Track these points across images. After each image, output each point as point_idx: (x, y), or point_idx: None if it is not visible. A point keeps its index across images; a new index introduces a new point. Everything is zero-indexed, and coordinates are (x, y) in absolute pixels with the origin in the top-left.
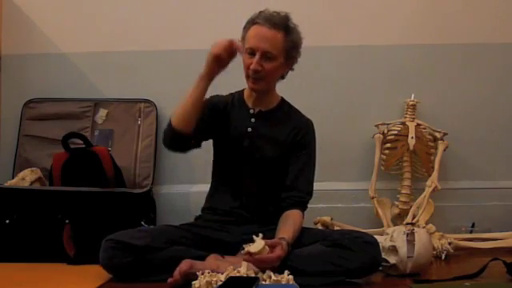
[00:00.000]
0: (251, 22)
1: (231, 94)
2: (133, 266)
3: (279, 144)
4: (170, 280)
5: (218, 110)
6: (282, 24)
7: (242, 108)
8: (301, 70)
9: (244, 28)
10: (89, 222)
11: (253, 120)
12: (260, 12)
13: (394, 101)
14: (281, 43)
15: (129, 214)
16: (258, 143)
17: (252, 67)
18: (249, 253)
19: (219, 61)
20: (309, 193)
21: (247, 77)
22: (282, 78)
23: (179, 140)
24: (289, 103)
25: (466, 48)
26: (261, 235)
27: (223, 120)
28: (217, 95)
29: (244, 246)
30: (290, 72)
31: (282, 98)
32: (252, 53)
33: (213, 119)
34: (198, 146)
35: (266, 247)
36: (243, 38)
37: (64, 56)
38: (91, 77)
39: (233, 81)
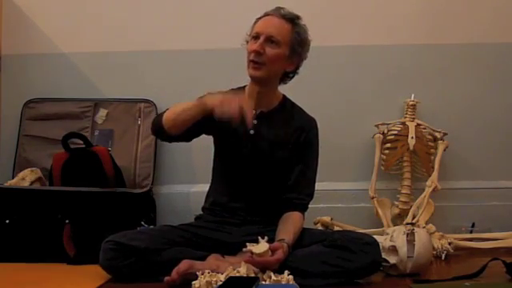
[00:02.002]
0: (264, 15)
1: (232, 89)
2: (133, 268)
3: (282, 146)
4: (167, 279)
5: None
6: (290, 17)
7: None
8: (301, 70)
9: (254, 24)
10: (89, 222)
11: (255, 122)
12: (276, 7)
13: (394, 101)
14: (287, 33)
15: (129, 214)
16: (260, 146)
17: (254, 48)
18: (251, 252)
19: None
20: (310, 194)
21: (248, 63)
22: (284, 81)
23: (167, 137)
24: (291, 101)
25: (467, 48)
26: (266, 238)
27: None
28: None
29: (248, 244)
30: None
31: (284, 97)
32: (257, 37)
33: (210, 120)
34: (188, 140)
35: (269, 251)
36: (252, 30)
37: (64, 56)
38: (91, 77)
39: (232, 80)
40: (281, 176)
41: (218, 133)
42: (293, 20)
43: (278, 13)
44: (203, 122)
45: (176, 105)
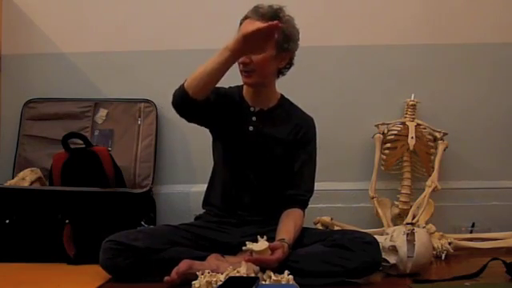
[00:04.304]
0: (243, 18)
1: (230, 87)
2: (133, 268)
3: (281, 143)
4: (166, 278)
5: (224, 98)
6: (270, 15)
7: (242, 105)
8: (301, 70)
9: (239, 26)
10: (89, 222)
11: (254, 119)
12: (254, 7)
13: (394, 101)
14: None
15: (129, 214)
16: (259, 143)
17: (240, 60)
18: (251, 251)
19: (249, 41)
20: (309, 190)
21: (240, 72)
22: (282, 74)
23: (187, 104)
24: (289, 100)
25: (466, 48)
26: (265, 237)
27: (225, 111)
28: (219, 87)
29: (247, 243)
30: (289, 71)
31: (282, 96)
32: None
33: (217, 105)
34: (202, 122)
35: (269, 249)
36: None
37: (64, 56)
38: (91, 77)
39: (232, 80)
40: (280, 173)
41: (218, 120)
42: (273, 17)
43: (257, 14)
44: (215, 99)
45: (197, 69)
